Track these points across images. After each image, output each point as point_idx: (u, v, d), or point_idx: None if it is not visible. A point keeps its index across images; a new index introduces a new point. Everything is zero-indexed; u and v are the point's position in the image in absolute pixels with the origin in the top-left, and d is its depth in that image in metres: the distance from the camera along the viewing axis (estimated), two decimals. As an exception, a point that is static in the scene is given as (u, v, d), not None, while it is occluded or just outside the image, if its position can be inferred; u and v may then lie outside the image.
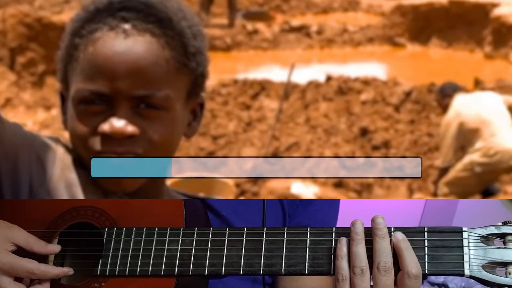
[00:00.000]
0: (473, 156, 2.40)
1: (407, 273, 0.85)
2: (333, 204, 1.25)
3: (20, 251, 0.95)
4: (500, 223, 0.87)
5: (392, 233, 0.88)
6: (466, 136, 2.42)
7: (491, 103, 2.46)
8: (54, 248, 0.98)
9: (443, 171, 2.50)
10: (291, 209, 1.18)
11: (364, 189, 2.67)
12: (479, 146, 2.38)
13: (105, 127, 0.81)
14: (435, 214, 2.94)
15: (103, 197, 0.88)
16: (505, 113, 2.42)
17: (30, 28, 3.49)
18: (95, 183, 0.86)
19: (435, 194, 2.56)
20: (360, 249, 0.87)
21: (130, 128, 0.81)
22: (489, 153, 2.36)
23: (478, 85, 3.08)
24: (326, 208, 1.22)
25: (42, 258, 0.99)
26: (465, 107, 2.45)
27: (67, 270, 0.97)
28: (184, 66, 0.84)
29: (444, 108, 2.54)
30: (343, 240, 0.89)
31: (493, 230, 0.87)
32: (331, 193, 2.53)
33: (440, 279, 2.57)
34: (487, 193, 2.47)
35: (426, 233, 0.89)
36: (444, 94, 2.55)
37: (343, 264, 0.88)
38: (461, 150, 2.44)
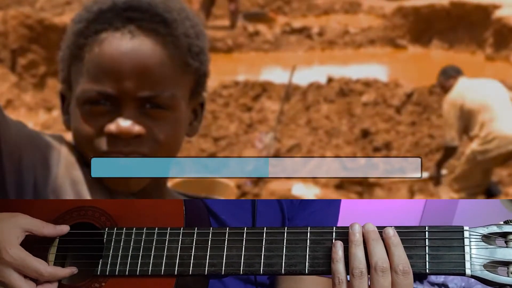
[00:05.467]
0: (472, 146, 2.43)
1: (394, 269, 0.85)
2: (333, 205, 1.25)
3: (26, 242, 0.96)
4: (502, 222, 0.86)
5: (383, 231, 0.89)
6: (468, 118, 2.45)
7: (493, 89, 2.49)
8: (63, 228, 0.99)
9: (448, 150, 2.53)
10: (290, 212, 1.18)
11: (365, 190, 2.66)
12: (477, 130, 2.41)
13: (111, 127, 0.81)
14: (435, 214, 2.94)
15: (108, 195, 0.88)
16: (507, 101, 2.44)
17: (31, 29, 3.49)
18: (100, 181, 0.87)
19: (437, 176, 2.58)
20: (359, 251, 0.87)
21: (137, 128, 0.82)
22: (487, 139, 2.39)
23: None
24: (325, 209, 1.22)
25: (43, 255, 0.99)
26: (468, 90, 2.48)
27: (72, 270, 0.97)
28: (188, 66, 0.85)
29: (446, 90, 2.56)
30: (338, 244, 0.89)
31: (494, 229, 0.86)
32: (332, 195, 2.53)
33: (440, 279, 2.57)
34: (490, 193, 2.48)
35: (427, 232, 0.88)
36: (448, 76, 2.57)
37: (339, 267, 0.88)
38: (464, 132, 2.47)
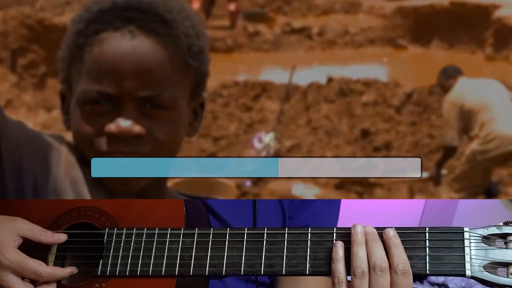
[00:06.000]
0: (472, 146, 2.43)
1: (393, 269, 0.86)
2: (334, 205, 1.25)
3: (25, 244, 0.96)
4: (502, 223, 0.87)
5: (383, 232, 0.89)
6: (467, 118, 2.45)
7: (493, 89, 2.49)
8: (61, 237, 0.99)
9: (448, 150, 2.54)
10: (291, 211, 1.18)
11: (365, 190, 2.66)
12: (477, 130, 2.42)
13: (111, 127, 0.82)
14: (435, 214, 2.94)
15: (108, 195, 0.88)
16: (507, 101, 2.44)
17: (31, 29, 3.49)
18: (100, 181, 0.87)
19: (437, 176, 2.58)
20: (361, 251, 0.88)
21: (137, 128, 0.82)
22: (487, 139, 2.39)
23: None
24: (326, 209, 1.22)
25: (43, 256, 0.99)
26: (468, 90, 2.49)
27: (72, 270, 0.97)
28: (188, 66, 0.85)
29: (446, 90, 2.56)
30: (338, 244, 0.90)
31: (494, 230, 0.87)
32: (332, 195, 2.53)
33: (440, 279, 2.57)
34: (490, 193, 2.48)
35: (427, 233, 0.89)
36: (448, 76, 2.57)
37: (339, 267, 0.88)
38: (464, 132, 2.48)
